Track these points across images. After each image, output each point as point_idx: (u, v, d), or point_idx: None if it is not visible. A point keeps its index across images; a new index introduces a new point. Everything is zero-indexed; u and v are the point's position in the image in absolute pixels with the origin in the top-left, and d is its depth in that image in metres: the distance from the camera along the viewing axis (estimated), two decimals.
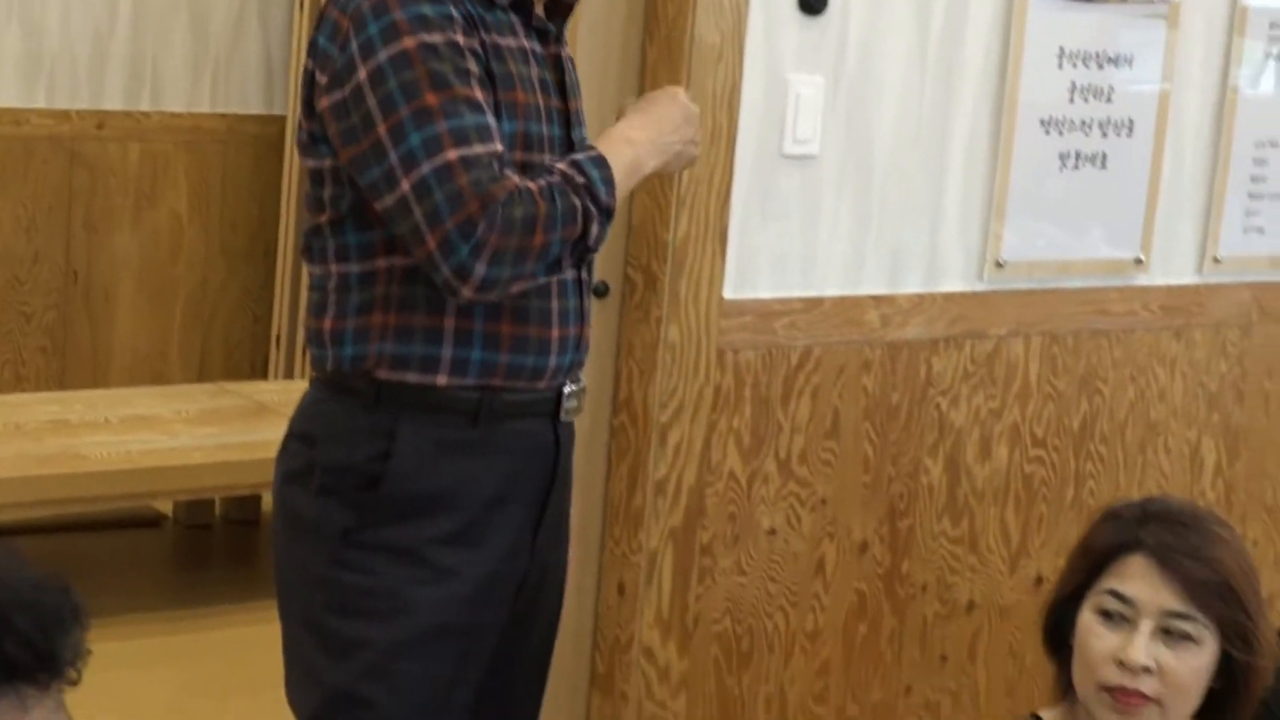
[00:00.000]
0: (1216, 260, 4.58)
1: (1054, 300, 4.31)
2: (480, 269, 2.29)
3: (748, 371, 3.87)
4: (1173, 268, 4.53)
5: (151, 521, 5.93)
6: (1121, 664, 2.37)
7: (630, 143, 2.49)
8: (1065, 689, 2.49)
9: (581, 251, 2.40)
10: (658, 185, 3.73)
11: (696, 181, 3.72)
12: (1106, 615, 2.40)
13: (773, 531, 3.97)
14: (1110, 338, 4.43)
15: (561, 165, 2.40)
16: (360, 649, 2.43)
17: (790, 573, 4.01)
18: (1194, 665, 2.38)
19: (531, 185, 2.33)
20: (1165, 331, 4.53)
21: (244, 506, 5.84)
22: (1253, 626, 2.41)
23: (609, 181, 2.42)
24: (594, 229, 2.40)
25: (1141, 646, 2.35)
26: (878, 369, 4.05)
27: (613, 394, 3.88)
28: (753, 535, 3.95)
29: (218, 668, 4.68)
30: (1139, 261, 4.43)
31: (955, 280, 4.16)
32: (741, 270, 3.85)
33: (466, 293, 2.31)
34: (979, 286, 4.19)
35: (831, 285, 3.98)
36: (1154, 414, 4.56)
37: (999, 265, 4.19)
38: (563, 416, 2.58)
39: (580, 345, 2.62)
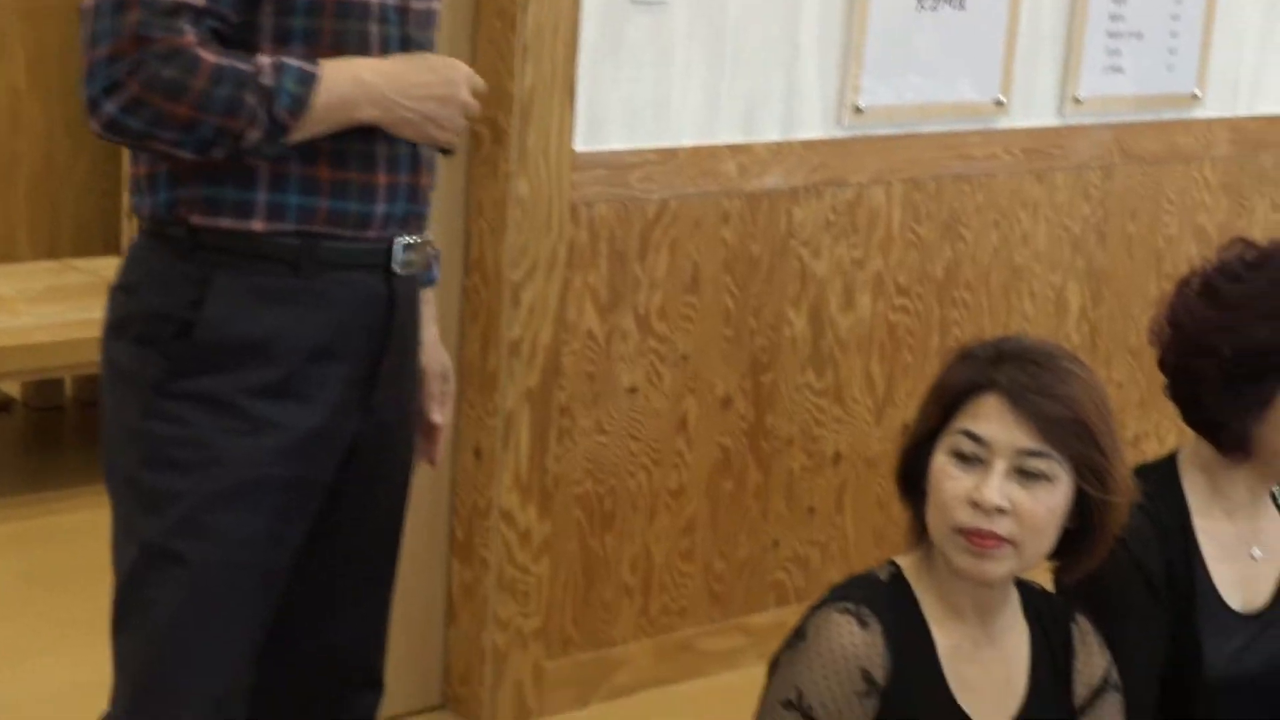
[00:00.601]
0: (1077, 101, 4.51)
1: (915, 146, 4.23)
2: (110, 108, 2.21)
3: (602, 226, 3.77)
4: (1033, 110, 4.46)
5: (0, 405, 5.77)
6: (975, 505, 2.30)
7: (358, 82, 2.32)
8: (921, 534, 2.42)
9: (236, 149, 2.27)
10: (500, 33, 3.61)
11: (541, 29, 3.59)
12: (960, 456, 2.33)
13: (633, 389, 3.89)
14: (972, 182, 4.36)
15: (266, 60, 2.26)
16: (171, 502, 2.33)
17: (652, 430, 3.94)
18: (1048, 504, 2.31)
19: (208, 57, 2.21)
20: (1027, 175, 4.47)
21: (94, 388, 5.67)
22: (1107, 464, 2.34)
23: (299, 101, 2.26)
24: (252, 135, 2.26)
25: (995, 486, 2.28)
26: (737, 220, 3.96)
27: (464, 254, 3.76)
28: (612, 394, 3.86)
29: (62, 554, 4.56)
30: (999, 104, 4.36)
31: (814, 128, 4.06)
32: (592, 122, 3.73)
33: (94, 127, 2.24)
34: (838, 133, 4.10)
35: (686, 135, 3.87)
36: (1018, 258, 4.51)
37: (858, 111, 4.10)
38: (397, 270, 2.45)
39: (416, 195, 2.49)
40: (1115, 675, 2.47)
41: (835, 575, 4.22)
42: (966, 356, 2.43)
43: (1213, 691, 2.64)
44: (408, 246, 2.49)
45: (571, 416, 3.81)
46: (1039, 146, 4.47)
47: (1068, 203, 4.57)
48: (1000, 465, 2.31)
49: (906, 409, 4.33)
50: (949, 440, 2.37)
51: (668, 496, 3.99)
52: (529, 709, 3.88)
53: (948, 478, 2.35)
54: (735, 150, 3.93)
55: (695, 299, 3.93)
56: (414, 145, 2.46)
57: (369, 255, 2.43)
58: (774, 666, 2.36)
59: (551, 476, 3.80)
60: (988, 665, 2.40)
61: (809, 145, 4.03)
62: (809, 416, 4.18)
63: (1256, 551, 2.70)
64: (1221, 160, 4.92)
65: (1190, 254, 4.85)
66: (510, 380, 3.70)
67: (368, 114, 2.35)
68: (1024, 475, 2.32)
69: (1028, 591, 2.47)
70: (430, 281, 2.65)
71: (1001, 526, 2.31)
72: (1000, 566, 2.32)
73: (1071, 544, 2.40)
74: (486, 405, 3.74)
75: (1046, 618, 2.47)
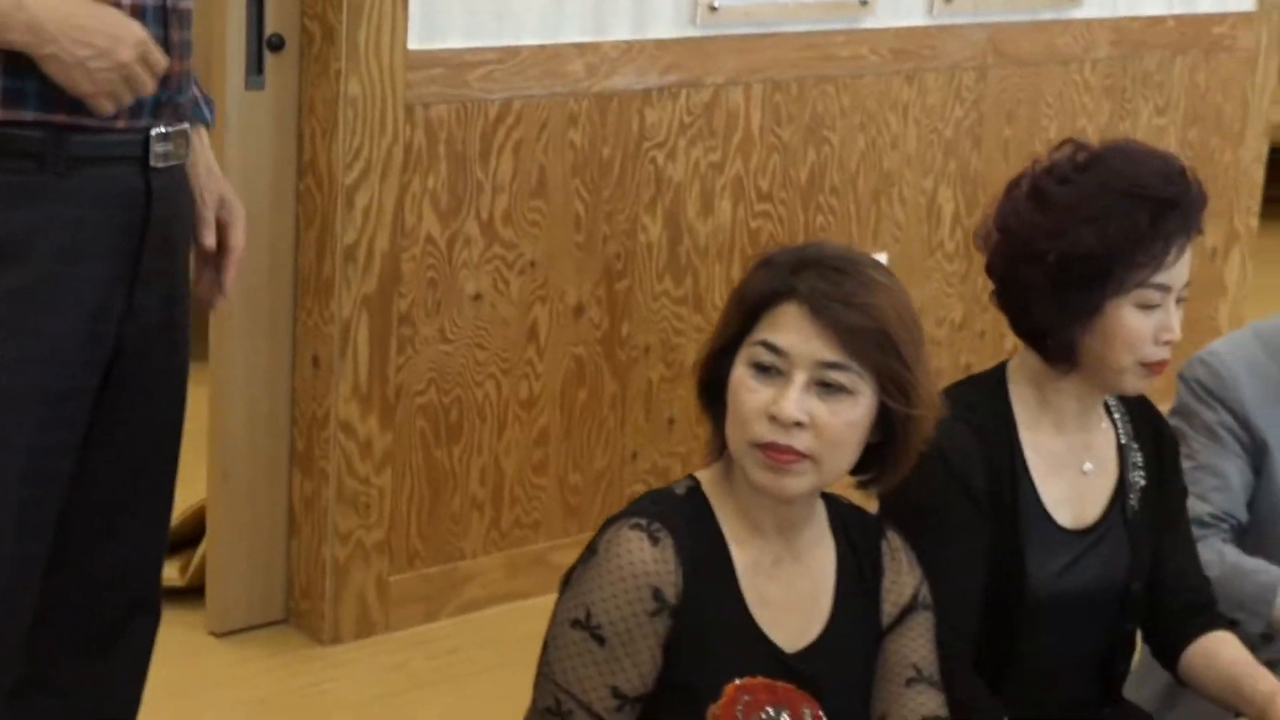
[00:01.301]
0: (946, 0, 4.39)
1: (775, 45, 4.10)
2: None
3: (440, 127, 3.64)
4: (901, 8, 4.33)
5: None
6: (773, 418, 2.20)
7: (19, 5, 2.19)
8: (722, 447, 2.33)
9: None
10: None
11: None
12: (759, 368, 2.22)
13: (478, 297, 3.77)
14: (837, 84, 4.24)
15: None
16: None
17: (500, 339, 3.82)
18: (849, 418, 2.21)
19: None
20: (896, 76, 4.35)
21: None
22: (910, 376, 2.24)
23: None
24: None
25: (793, 399, 2.18)
26: (585, 122, 3.83)
27: (297, 156, 3.63)
28: (456, 301, 3.74)
29: None
30: (864, 2, 4.23)
31: (666, 26, 3.93)
32: (429, 19, 3.59)
33: None
34: (692, 32, 3.96)
35: (529, 33, 3.73)
36: (887, 163, 4.40)
37: (713, 9, 3.96)
38: (154, 162, 2.32)
39: (169, 81, 2.34)
40: (926, 594, 2.38)
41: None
42: (767, 263, 2.32)
43: (1037, 609, 2.56)
44: (163, 137, 2.35)
45: (413, 325, 3.69)
46: (908, 47, 4.35)
47: (940, 105, 4.46)
48: (799, 377, 2.21)
49: None
50: (748, 351, 2.26)
51: (518, 407, 3.88)
52: (373, 623, 3.79)
53: (745, 390, 2.25)
54: (582, 49, 3.80)
55: (543, 204, 3.81)
56: (164, 27, 2.31)
57: (121, 148, 2.30)
58: (565, 583, 2.27)
59: (393, 386, 3.69)
60: (790, 582, 2.30)
61: (661, 45, 3.90)
62: (667, 325, 4.07)
63: (1088, 466, 2.62)
64: (1102, 62, 4.81)
65: None
66: (346, 287, 3.58)
67: (18, 38, 2.20)
68: (824, 388, 2.21)
69: (836, 507, 2.37)
70: (204, 122, 2.50)
71: (800, 441, 2.20)
72: (799, 482, 2.22)
73: (875, 458, 2.31)
74: (323, 313, 3.62)
75: (855, 534, 2.37)
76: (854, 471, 2.32)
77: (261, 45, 3.54)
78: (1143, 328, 2.47)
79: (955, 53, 4.45)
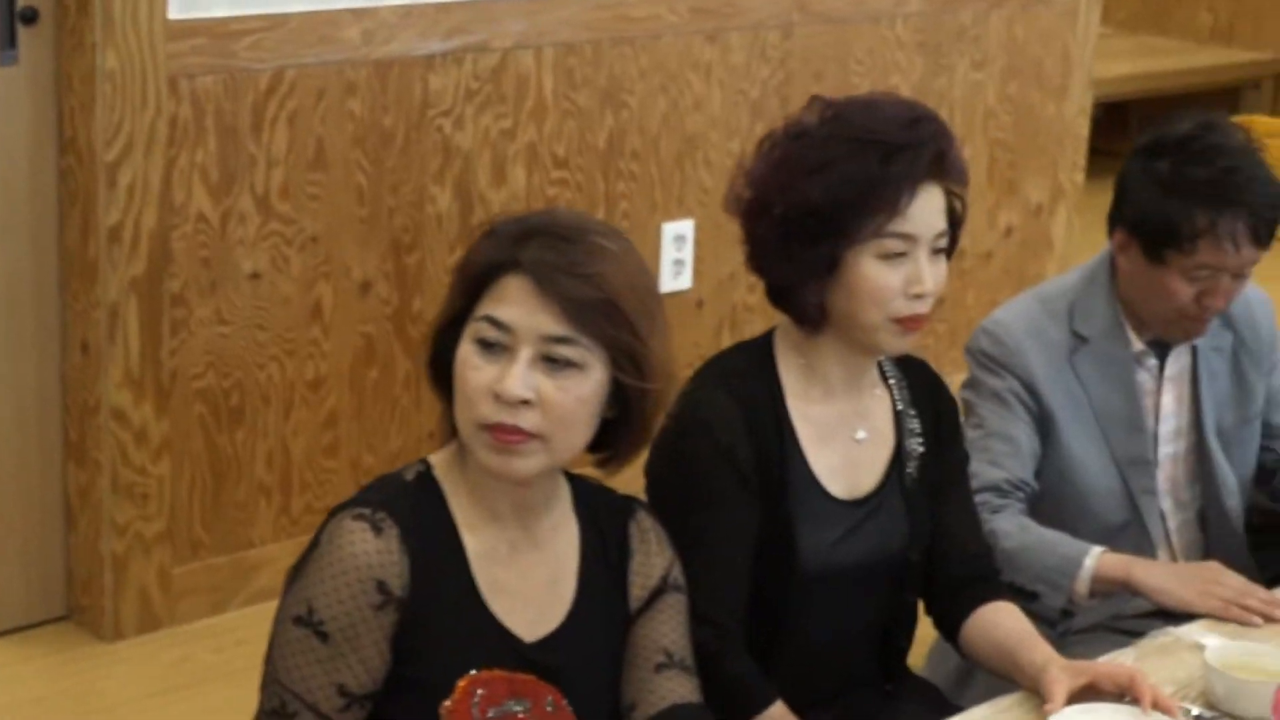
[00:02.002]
0: None
1: (565, 6, 3.97)
2: None
3: (207, 100, 3.49)
4: None
5: None
6: (498, 397, 2.08)
7: None
8: (453, 430, 2.21)
9: None
10: None
11: None
12: (484, 344, 2.10)
13: (256, 275, 3.62)
14: (634, 45, 4.12)
15: None
16: None
17: (281, 319, 3.68)
18: (578, 394, 2.10)
19: None
20: (697, 36, 4.23)
21: None
22: (643, 349, 2.12)
23: None
24: None
25: (518, 377, 2.06)
26: (365, 91, 3.69)
27: (57, 133, 3.46)
28: (233, 281, 3.60)
29: None
30: None
31: None
32: None
33: None
34: None
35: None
36: (690, 126, 4.28)
37: None
38: None
39: None
40: (678, 575, 2.28)
41: None
42: (492, 233, 2.19)
43: (809, 583, 2.47)
44: None
45: (186, 306, 3.54)
46: (708, 5, 4.23)
47: (744, 65, 4.35)
48: (525, 353, 2.09)
49: None
50: (472, 327, 2.14)
51: (305, 389, 3.75)
52: (157, 617, 3.65)
53: (470, 368, 2.13)
54: (358, 14, 3.66)
55: (322, 176, 3.67)
56: None
57: None
58: (290, 578, 2.14)
59: (167, 371, 3.54)
60: (529, 569, 2.19)
61: (442, 8, 3.77)
62: None
63: (860, 434, 2.52)
64: (915, 17, 4.71)
65: None
66: (112, 269, 3.43)
67: None
68: (551, 363, 2.10)
69: (581, 487, 2.26)
70: None
71: (526, 420, 2.09)
72: (528, 463, 2.11)
73: (612, 434, 2.19)
74: (89, 296, 3.47)
75: (602, 515, 2.26)
76: (591, 449, 2.21)
77: (13, 18, 3.38)
78: (887, 280, 2.38)
79: (759, 10, 4.34)
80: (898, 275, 2.38)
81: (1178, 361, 2.92)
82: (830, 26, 4.50)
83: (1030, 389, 2.84)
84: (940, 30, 4.78)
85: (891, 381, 2.58)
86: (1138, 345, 2.88)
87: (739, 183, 2.49)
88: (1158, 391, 2.91)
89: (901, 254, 2.38)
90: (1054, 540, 2.75)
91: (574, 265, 2.10)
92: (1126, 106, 8.87)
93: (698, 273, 4.34)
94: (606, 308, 2.10)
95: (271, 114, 3.57)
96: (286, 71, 3.57)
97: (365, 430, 3.85)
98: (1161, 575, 2.69)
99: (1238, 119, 7.66)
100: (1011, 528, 2.75)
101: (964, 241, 4.87)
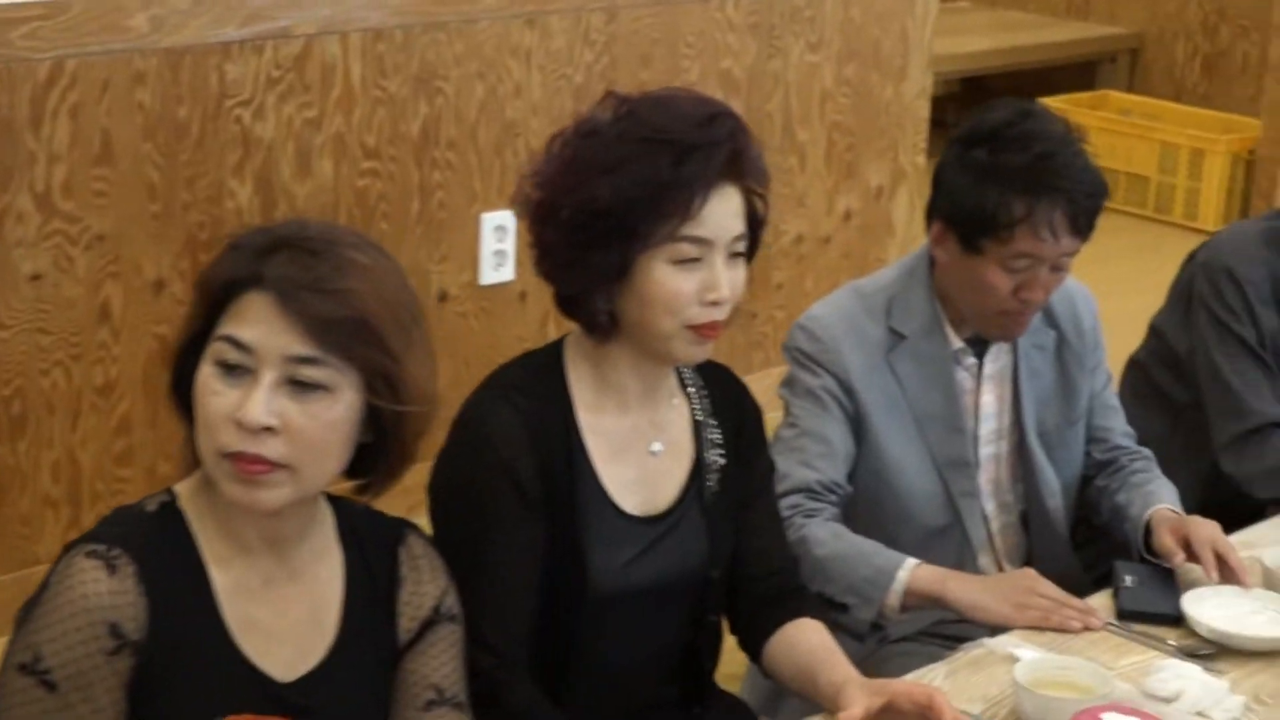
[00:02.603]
0: None
1: None
2: None
3: None
4: None
5: None
6: (240, 424, 1.92)
7: None
8: (196, 457, 2.04)
9: None
10: None
11: None
12: (225, 367, 1.93)
13: (37, 277, 3.42)
14: (448, 30, 3.95)
15: None
16: None
17: (66, 322, 3.48)
18: (327, 419, 1.94)
19: None
20: (515, 20, 4.07)
21: None
22: (398, 369, 1.96)
23: None
24: None
25: (260, 402, 1.90)
26: (155, 81, 3.50)
27: None
28: (11, 283, 3.40)
29: None
30: None
31: None
32: None
33: None
34: None
35: None
36: (510, 113, 4.12)
37: None
38: None
39: None
40: (452, 604, 2.13)
41: None
42: (236, 246, 2.03)
43: (601, 604, 2.34)
44: None
45: None
46: None
47: (566, 49, 4.19)
48: (268, 376, 1.93)
49: None
50: (213, 348, 1.98)
51: (94, 395, 3.55)
52: None
53: (210, 393, 1.97)
54: (145, 1, 3.46)
55: (109, 172, 3.48)
56: None
57: None
58: (18, 620, 1.97)
59: None
60: (285, 603, 2.04)
61: None
62: None
63: (656, 446, 2.39)
64: None
65: None
66: None
67: None
68: (297, 386, 1.94)
69: (347, 512, 2.10)
70: None
71: (270, 449, 1.93)
72: (274, 494, 1.95)
73: (369, 460, 2.04)
74: None
75: (369, 541, 2.11)
76: (349, 474, 2.05)
77: None
78: (681, 287, 2.24)
79: None
80: (692, 281, 2.25)
81: (997, 360, 2.81)
82: (657, 8, 4.35)
83: (846, 388, 2.73)
84: (773, 11, 4.64)
85: (691, 390, 2.45)
86: (956, 343, 2.77)
87: (527, 182, 2.34)
88: (977, 390, 2.80)
89: (696, 259, 2.25)
90: (868, 551, 2.64)
91: (321, 281, 1.95)
92: (986, 81, 8.82)
93: (521, 264, 4.18)
94: (356, 326, 1.95)
95: (52, 106, 3.37)
96: (67, 62, 3.37)
97: (160, 437, 3.66)
98: (975, 591, 2.59)
99: (1093, 94, 7.66)
100: (824, 535, 2.63)
101: (802, 226, 4.81)
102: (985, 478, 2.82)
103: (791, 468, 2.69)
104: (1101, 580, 2.70)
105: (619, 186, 2.23)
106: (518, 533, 2.29)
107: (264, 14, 3.62)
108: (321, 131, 3.76)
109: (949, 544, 2.77)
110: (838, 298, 2.85)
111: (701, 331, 2.28)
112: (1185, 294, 3.15)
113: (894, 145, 5.05)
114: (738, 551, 2.46)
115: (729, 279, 2.27)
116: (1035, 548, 2.87)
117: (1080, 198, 2.63)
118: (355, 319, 1.94)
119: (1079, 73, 8.35)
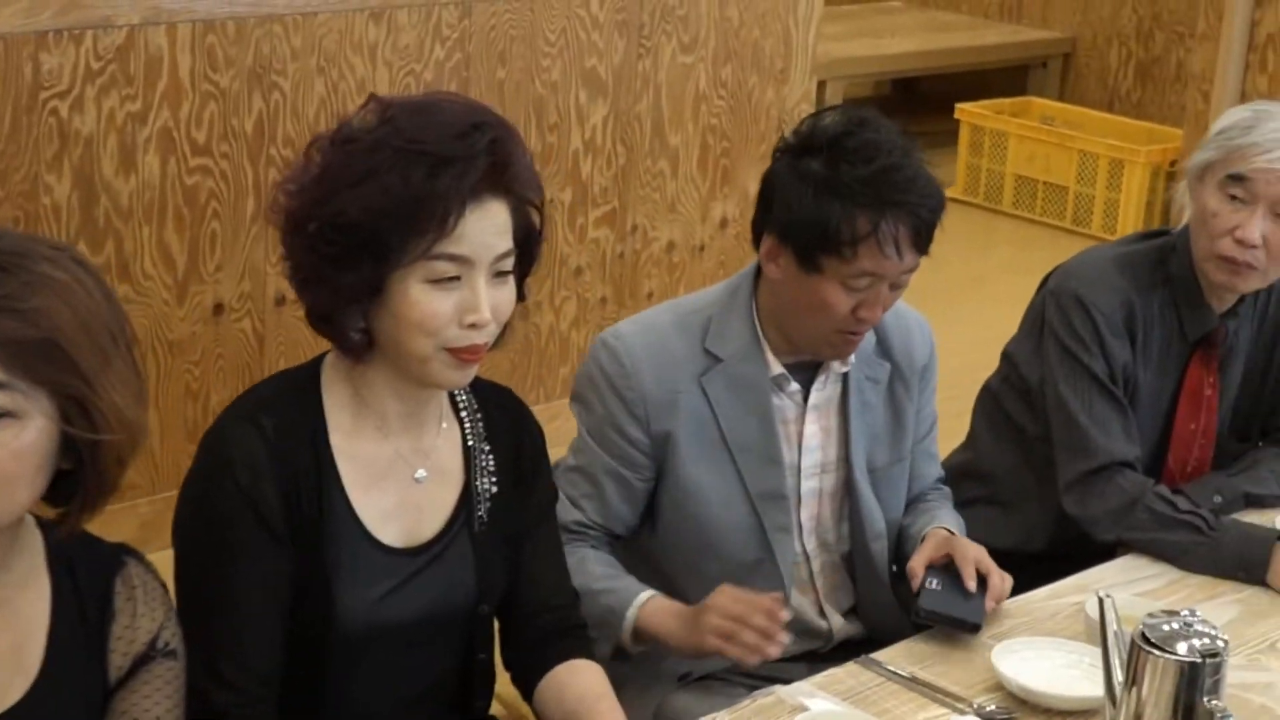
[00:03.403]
0: None
1: None
2: None
3: None
4: None
5: None
6: None
7: None
8: None
9: None
10: None
11: None
12: None
13: None
14: (285, 23, 3.80)
15: None
16: None
17: None
18: (15, 447, 1.81)
19: None
20: (359, 14, 3.93)
21: None
22: (93, 394, 1.84)
23: None
24: None
25: None
26: None
27: None
28: None
29: None
30: None
31: None
32: None
33: None
34: None
35: None
36: (353, 110, 3.96)
37: None
38: None
39: None
40: (170, 639, 2.00)
41: (139, 479, 3.70)
42: None
43: (354, 641, 2.20)
44: None
45: None
46: None
47: (416, 45, 4.05)
48: None
49: (228, 285, 3.80)
50: None
51: None
52: None
53: None
54: None
55: None
56: None
57: None
58: None
59: None
60: None
61: None
62: None
63: (421, 473, 2.25)
64: None
65: (581, 102, 4.39)
66: None
67: None
68: None
69: (59, 538, 1.96)
70: None
71: None
72: None
73: (70, 488, 1.90)
74: None
75: (81, 569, 1.97)
76: (50, 502, 1.91)
77: None
78: (437, 307, 2.10)
79: None
80: (449, 301, 2.11)
81: (824, 389, 2.65)
82: (515, 4, 4.22)
83: (640, 418, 2.57)
84: (642, 9, 4.50)
85: (464, 414, 2.31)
86: (776, 368, 2.60)
87: (280, 190, 2.20)
88: (800, 420, 2.65)
89: (455, 278, 2.11)
90: (603, 587, 2.52)
91: (8, 299, 1.81)
92: (918, 84, 8.71)
93: None
94: (46, 348, 1.81)
95: None
96: None
97: None
98: (672, 623, 2.47)
99: (1016, 100, 7.52)
100: (570, 563, 2.50)
101: (674, 234, 4.68)
102: (806, 514, 2.67)
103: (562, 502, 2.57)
104: (921, 626, 2.56)
105: (369, 199, 2.09)
106: (260, 564, 2.15)
107: (83, 2, 3.47)
108: (147, 126, 3.62)
109: (759, 580, 2.60)
110: (651, 314, 2.70)
111: (460, 355, 2.14)
112: (1039, 321, 3.00)
113: (773, 151, 4.92)
114: (513, 585, 2.34)
115: (491, 300, 2.14)
116: (860, 591, 2.74)
117: (924, 212, 2.47)
118: (44, 340, 1.81)
119: (1012, 76, 8.23)
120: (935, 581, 2.55)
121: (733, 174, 4.82)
